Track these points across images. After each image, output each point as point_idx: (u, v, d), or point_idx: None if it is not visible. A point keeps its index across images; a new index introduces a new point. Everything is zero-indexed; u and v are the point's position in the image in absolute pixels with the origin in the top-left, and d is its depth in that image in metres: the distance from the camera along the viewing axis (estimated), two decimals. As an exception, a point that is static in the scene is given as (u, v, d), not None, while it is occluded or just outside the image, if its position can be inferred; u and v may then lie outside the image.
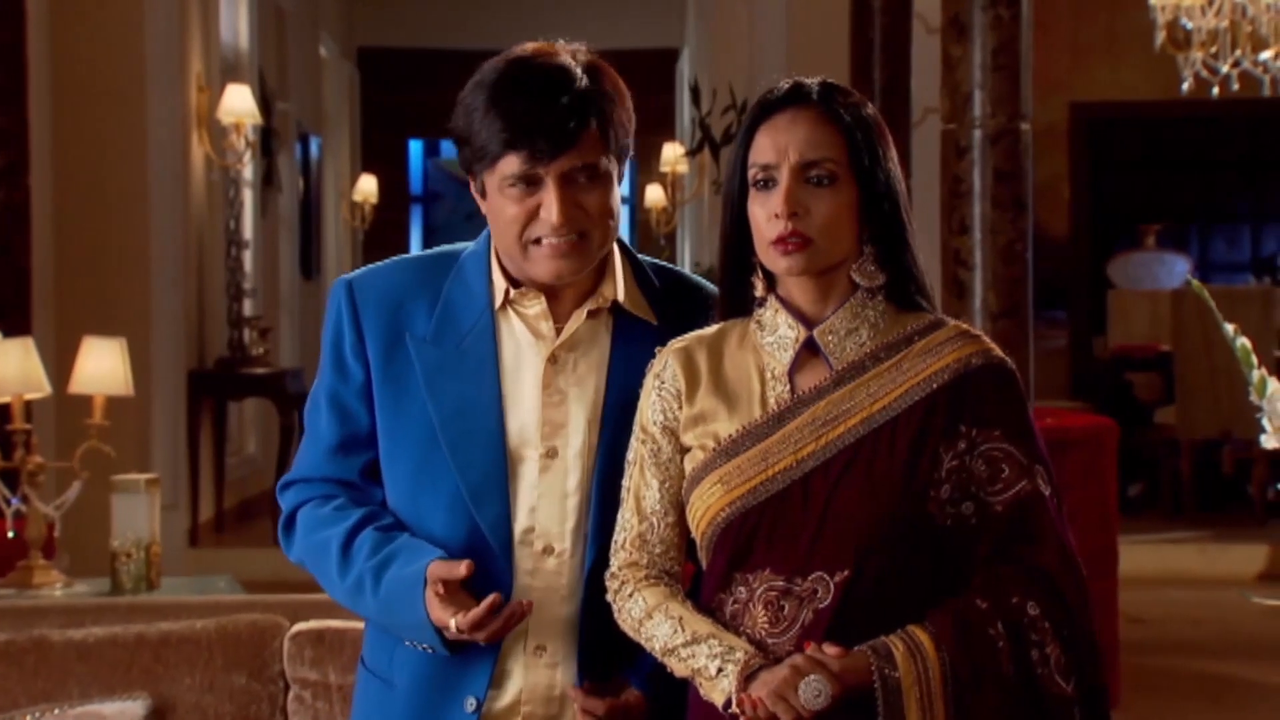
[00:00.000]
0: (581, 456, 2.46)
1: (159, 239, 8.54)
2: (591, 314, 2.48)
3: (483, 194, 2.45)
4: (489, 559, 2.42)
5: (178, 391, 8.81)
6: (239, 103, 9.06)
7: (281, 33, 12.09)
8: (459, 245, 2.58)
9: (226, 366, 9.49)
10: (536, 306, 2.47)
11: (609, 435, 2.45)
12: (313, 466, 2.55)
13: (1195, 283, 3.41)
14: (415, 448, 2.46)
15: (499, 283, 2.49)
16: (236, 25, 10.60)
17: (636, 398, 2.44)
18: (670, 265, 2.63)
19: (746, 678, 2.23)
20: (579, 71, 2.40)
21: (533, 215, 2.39)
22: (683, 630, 2.31)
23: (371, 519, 2.49)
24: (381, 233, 15.57)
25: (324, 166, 14.41)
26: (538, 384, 2.47)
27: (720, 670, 2.25)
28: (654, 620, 2.34)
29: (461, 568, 2.34)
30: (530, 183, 2.38)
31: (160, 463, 8.44)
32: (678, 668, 2.32)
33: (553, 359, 2.47)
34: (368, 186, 14.90)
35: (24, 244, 7.48)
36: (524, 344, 2.48)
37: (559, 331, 2.47)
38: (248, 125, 9.13)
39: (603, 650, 2.44)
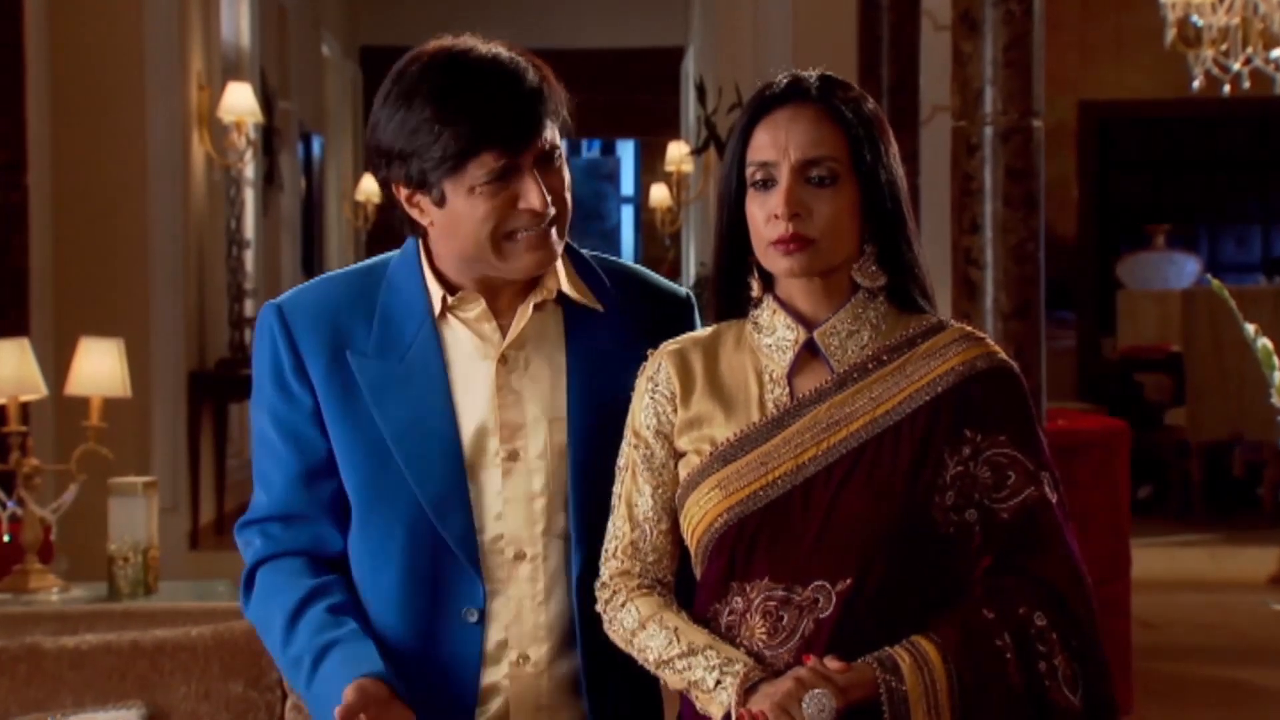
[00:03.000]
0: (544, 457, 2.40)
1: (159, 239, 8.49)
2: (537, 308, 2.42)
3: (439, 203, 2.36)
4: (457, 573, 2.37)
5: (178, 393, 8.77)
6: (240, 101, 9.02)
7: (283, 31, 12.05)
8: (383, 256, 2.51)
9: (227, 367, 9.44)
10: (476, 308, 2.42)
11: (579, 431, 2.40)
12: (274, 502, 2.46)
13: (1216, 282, 3.33)
14: (366, 465, 2.39)
15: (435, 290, 2.43)
16: (238, 23, 10.55)
17: (600, 389, 2.39)
18: (609, 256, 2.58)
19: (746, 690, 2.17)
20: (516, 57, 2.36)
21: (509, 208, 2.34)
22: (678, 641, 2.25)
23: (321, 591, 2.41)
24: (384, 232, 15.51)
25: (326, 166, 14.38)
26: (489, 387, 2.41)
27: (719, 683, 2.19)
28: (648, 631, 2.28)
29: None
30: (504, 175, 2.33)
31: (160, 465, 8.39)
32: (673, 680, 2.26)
33: (502, 359, 2.41)
34: (370, 186, 14.85)
35: (22, 244, 7.44)
36: (470, 348, 2.42)
37: (503, 330, 2.42)
38: (249, 124, 9.09)
39: (603, 653, 2.37)
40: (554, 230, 2.36)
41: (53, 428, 7.29)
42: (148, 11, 8.41)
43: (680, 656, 2.23)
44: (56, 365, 6.54)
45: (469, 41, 2.37)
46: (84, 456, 4.93)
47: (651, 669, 2.28)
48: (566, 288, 2.43)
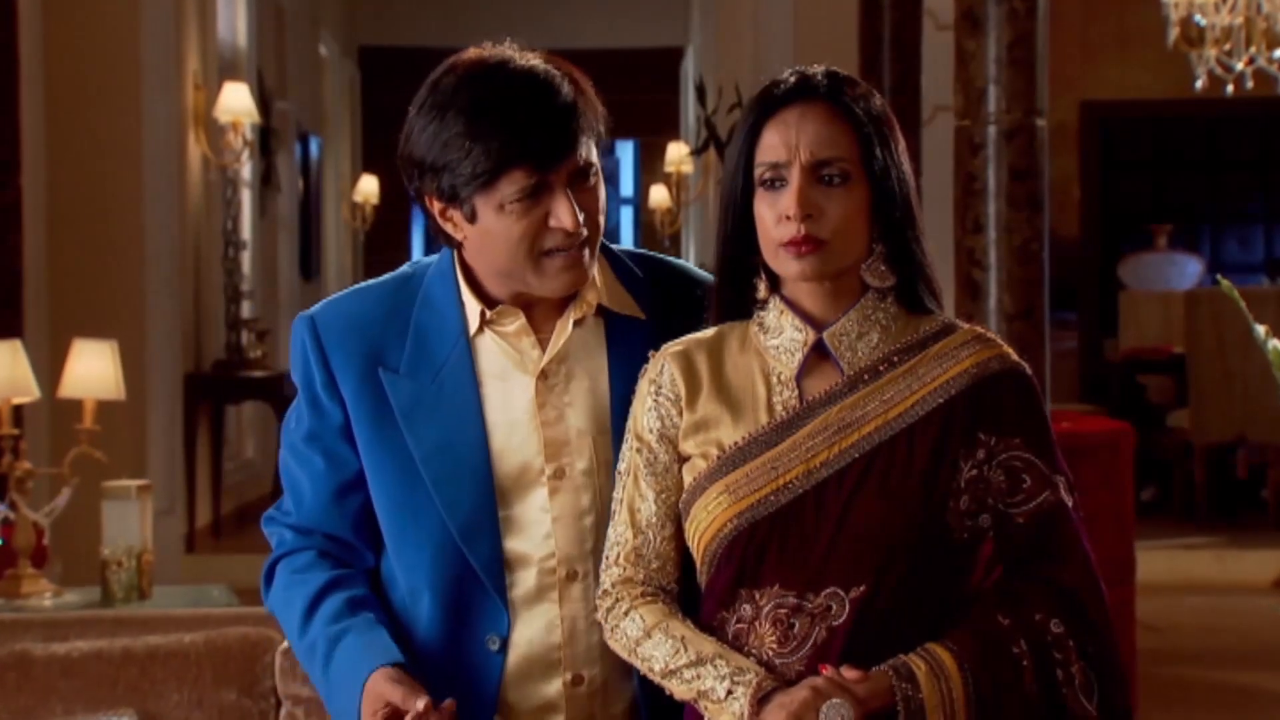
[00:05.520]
0: (591, 474, 2.36)
1: (154, 239, 8.44)
2: (577, 322, 2.37)
3: (471, 218, 2.31)
4: (483, 599, 2.34)
5: (174, 395, 8.72)
6: (236, 101, 8.97)
7: (280, 31, 12.00)
8: (418, 264, 2.47)
9: (224, 369, 9.40)
10: (516, 323, 2.37)
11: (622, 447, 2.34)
12: (304, 515, 2.44)
13: (1225, 283, 3.27)
14: (396, 485, 2.36)
15: (471, 305, 2.38)
16: (234, 23, 10.51)
17: None
18: (650, 252, 2.53)
19: (759, 700, 2.12)
20: (552, 71, 2.30)
21: (541, 227, 2.29)
22: (686, 650, 2.20)
23: (342, 582, 2.40)
24: (382, 234, 15.49)
25: (324, 166, 14.33)
26: (530, 404, 2.36)
27: (730, 693, 2.15)
28: (653, 640, 2.24)
29: (420, 702, 2.22)
30: (535, 193, 2.27)
31: (156, 468, 8.34)
32: (680, 690, 2.21)
33: (543, 375, 2.36)
34: (368, 187, 14.82)
35: (16, 245, 7.39)
36: (507, 364, 2.37)
37: (543, 345, 2.36)
38: (245, 124, 9.05)
39: None
40: (586, 250, 2.31)
41: (47, 431, 7.24)
42: (144, 10, 8.36)
43: (688, 666, 2.19)
44: (51, 367, 6.49)
45: (506, 52, 2.32)
46: (77, 460, 4.88)
47: (656, 679, 2.24)
48: (607, 301, 2.39)
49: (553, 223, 2.28)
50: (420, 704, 2.20)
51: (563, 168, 2.27)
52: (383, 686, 2.25)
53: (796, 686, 2.11)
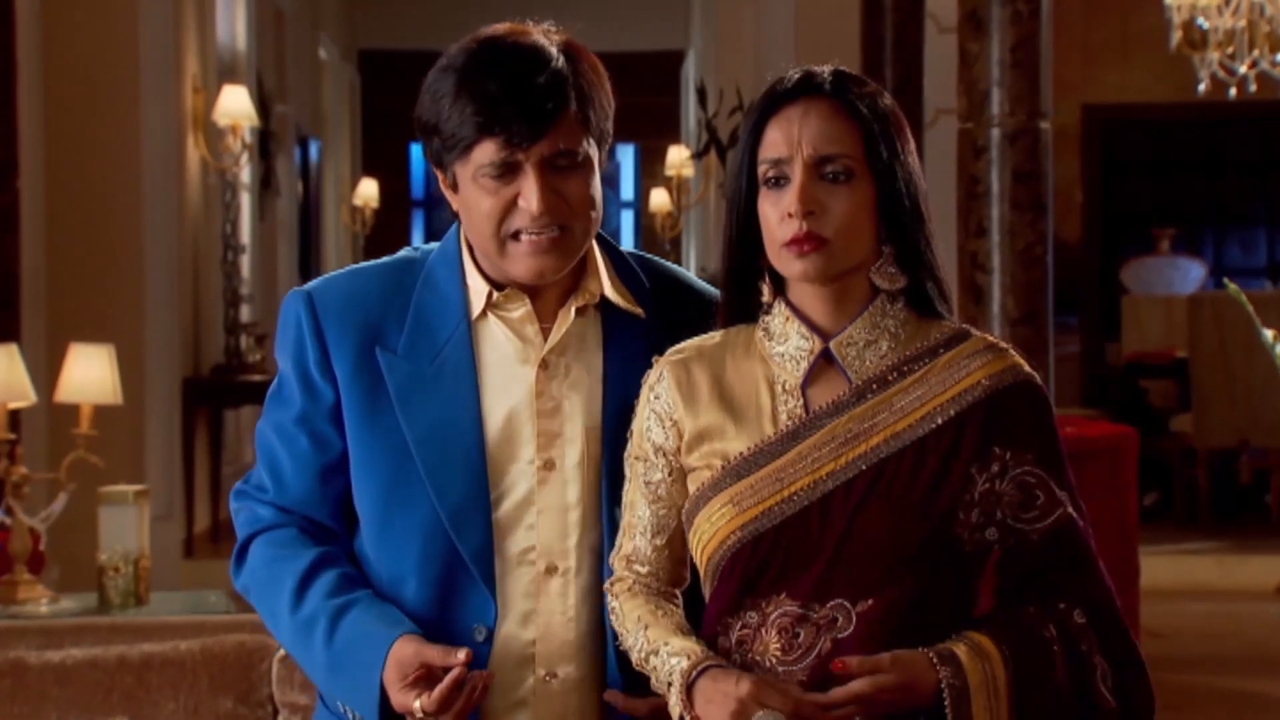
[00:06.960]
0: (581, 467, 2.32)
1: (153, 243, 8.39)
2: (579, 312, 2.34)
3: (454, 187, 2.30)
4: (471, 588, 2.29)
5: (172, 399, 8.69)
6: (236, 104, 8.95)
7: (280, 34, 11.98)
8: (422, 248, 2.43)
9: (223, 374, 9.37)
10: (521, 309, 2.33)
11: (613, 443, 2.31)
12: (285, 495, 2.38)
13: (1233, 287, 3.24)
14: (386, 468, 2.31)
15: (477, 286, 2.34)
16: (234, 26, 10.48)
17: (636, 400, 2.30)
18: (650, 256, 2.50)
19: (688, 687, 2.10)
20: (554, 50, 2.26)
21: (510, 207, 2.25)
22: (648, 641, 2.18)
23: (333, 560, 2.34)
24: (382, 237, 15.45)
25: (324, 170, 14.31)
26: (528, 392, 2.32)
27: (670, 684, 2.13)
28: (630, 633, 2.22)
29: (460, 654, 2.17)
30: (507, 171, 2.24)
31: (154, 472, 8.30)
32: (653, 684, 2.19)
33: (543, 364, 2.32)
34: (368, 190, 14.81)
35: (14, 248, 7.35)
36: (510, 350, 2.33)
37: (545, 333, 2.32)
38: (244, 127, 9.03)
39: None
40: (563, 239, 2.27)
41: (44, 435, 7.20)
42: (142, 13, 8.32)
43: (646, 658, 2.18)
44: (48, 371, 6.46)
45: (527, 29, 2.29)
46: (74, 465, 4.85)
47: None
48: (610, 292, 2.35)
49: (521, 203, 2.24)
50: (462, 654, 2.16)
51: (536, 148, 2.23)
52: (414, 649, 2.20)
53: (725, 694, 2.07)
